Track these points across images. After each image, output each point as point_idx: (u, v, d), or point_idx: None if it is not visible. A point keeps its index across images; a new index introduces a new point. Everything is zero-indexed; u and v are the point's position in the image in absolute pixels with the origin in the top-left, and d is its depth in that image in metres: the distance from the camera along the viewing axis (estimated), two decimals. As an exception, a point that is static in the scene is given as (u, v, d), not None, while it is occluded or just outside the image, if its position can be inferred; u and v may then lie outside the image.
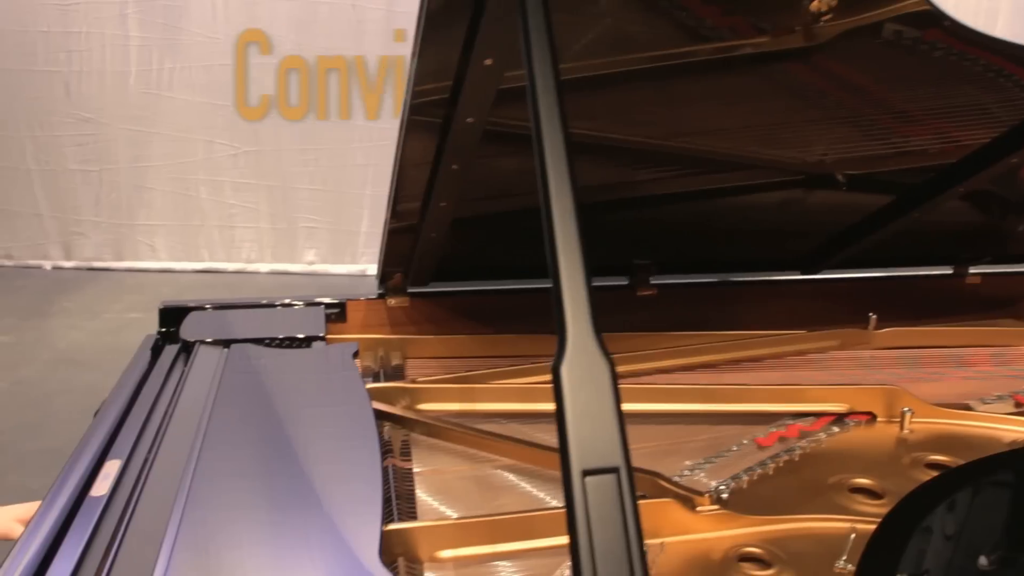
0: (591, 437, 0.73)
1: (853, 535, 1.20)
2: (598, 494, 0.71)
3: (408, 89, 1.43)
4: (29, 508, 1.48)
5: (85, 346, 4.67)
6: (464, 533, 1.18)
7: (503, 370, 1.74)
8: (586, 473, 0.72)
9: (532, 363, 1.75)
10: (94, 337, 4.82)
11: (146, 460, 1.33)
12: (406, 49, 1.52)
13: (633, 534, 0.71)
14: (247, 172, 5.84)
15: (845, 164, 1.87)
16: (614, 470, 0.72)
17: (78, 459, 1.37)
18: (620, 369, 1.76)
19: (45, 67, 5.71)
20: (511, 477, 1.41)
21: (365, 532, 1.08)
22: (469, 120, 1.48)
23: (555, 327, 0.78)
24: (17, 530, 1.44)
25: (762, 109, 1.70)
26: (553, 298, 0.80)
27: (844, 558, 1.16)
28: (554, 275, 0.81)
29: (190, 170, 5.85)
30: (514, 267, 2.04)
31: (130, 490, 1.25)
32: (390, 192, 1.68)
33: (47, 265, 6.10)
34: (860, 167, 1.87)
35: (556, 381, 0.76)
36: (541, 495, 1.36)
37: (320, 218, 5.90)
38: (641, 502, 1.23)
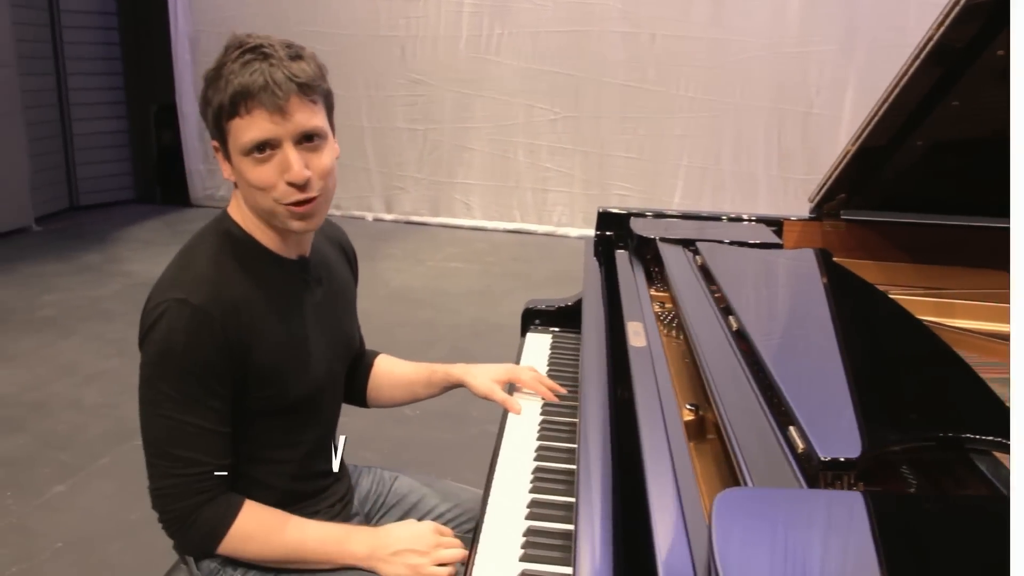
0: None
1: None
2: None
3: (945, 13, 1.41)
4: (508, 369, 1.58)
5: (416, 287, 5.00)
6: None
7: (970, 292, 1.69)
8: None
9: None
10: (422, 280, 5.15)
11: (660, 320, 1.42)
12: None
13: None
14: (564, 137, 6.02)
15: None
16: None
17: (589, 323, 1.46)
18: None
19: (385, 32, 6.17)
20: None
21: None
22: (999, 52, 1.45)
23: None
24: (496, 391, 1.53)
25: None
26: None
27: None
28: None
29: (510, 133, 6.11)
30: (951, 203, 1.97)
31: (660, 342, 1.31)
32: (871, 116, 1.66)
33: (369, 217, 6.58)
34: None
35: None
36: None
37: (633, 186, 5.98)
38: None
